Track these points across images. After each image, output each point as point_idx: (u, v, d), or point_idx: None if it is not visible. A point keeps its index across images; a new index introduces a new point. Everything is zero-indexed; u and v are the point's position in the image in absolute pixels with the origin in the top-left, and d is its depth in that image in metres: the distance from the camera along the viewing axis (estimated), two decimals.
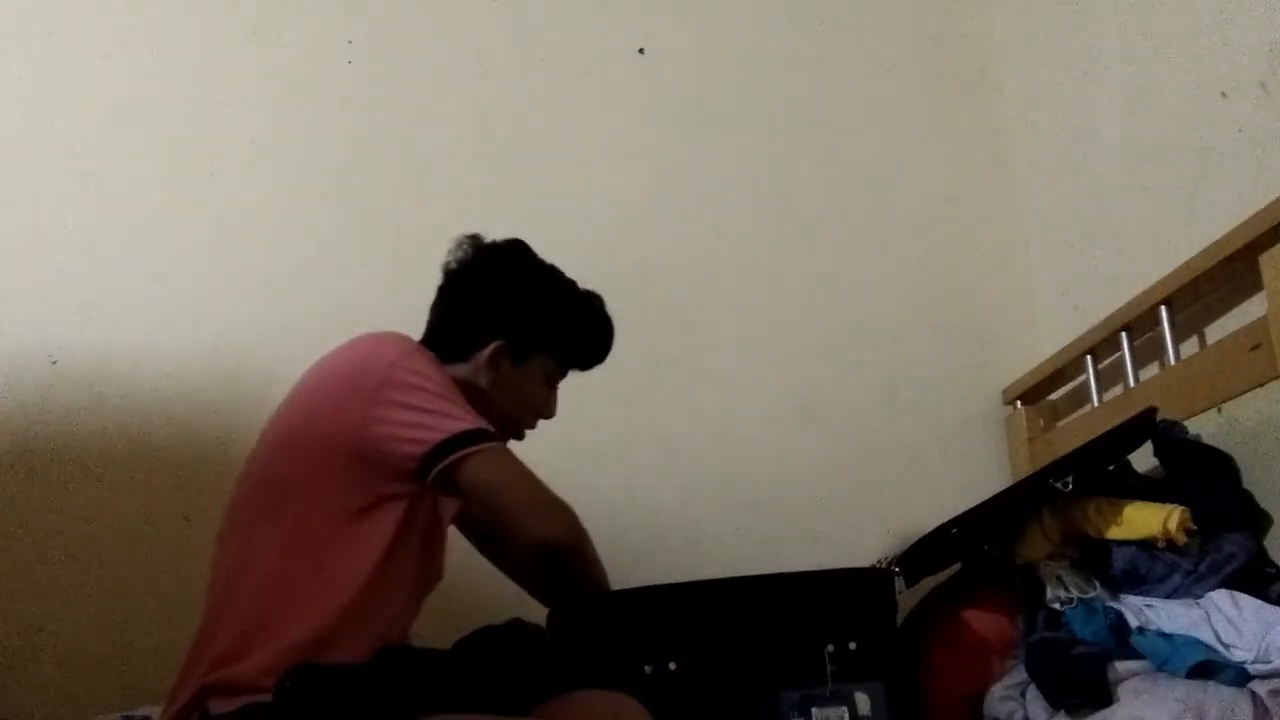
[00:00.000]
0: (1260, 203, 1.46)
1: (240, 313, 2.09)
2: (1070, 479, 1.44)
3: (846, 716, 1.30)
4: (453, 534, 1.47)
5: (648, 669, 1.33)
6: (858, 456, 2.19)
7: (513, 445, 1.46)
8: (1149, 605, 1.38)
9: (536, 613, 1.42)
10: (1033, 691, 1.35)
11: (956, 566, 1.62)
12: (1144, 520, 1.41)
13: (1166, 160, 1.81)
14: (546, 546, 1.30)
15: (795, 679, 1.32)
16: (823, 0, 2.45)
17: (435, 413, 1.27)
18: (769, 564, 1.65)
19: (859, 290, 2.30)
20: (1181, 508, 1.39)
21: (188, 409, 2.02)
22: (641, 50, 2.36)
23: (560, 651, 1.33)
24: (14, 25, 2.16)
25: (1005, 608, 1.49)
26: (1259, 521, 1.44)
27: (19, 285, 2.05)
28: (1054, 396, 2.18)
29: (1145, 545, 1.41)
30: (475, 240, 1.50)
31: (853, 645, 1.33)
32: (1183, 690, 1.22)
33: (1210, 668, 1.24)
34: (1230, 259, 1.53)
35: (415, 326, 1.47)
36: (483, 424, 1.29)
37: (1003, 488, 1.92)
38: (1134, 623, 1.35)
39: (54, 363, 2.01)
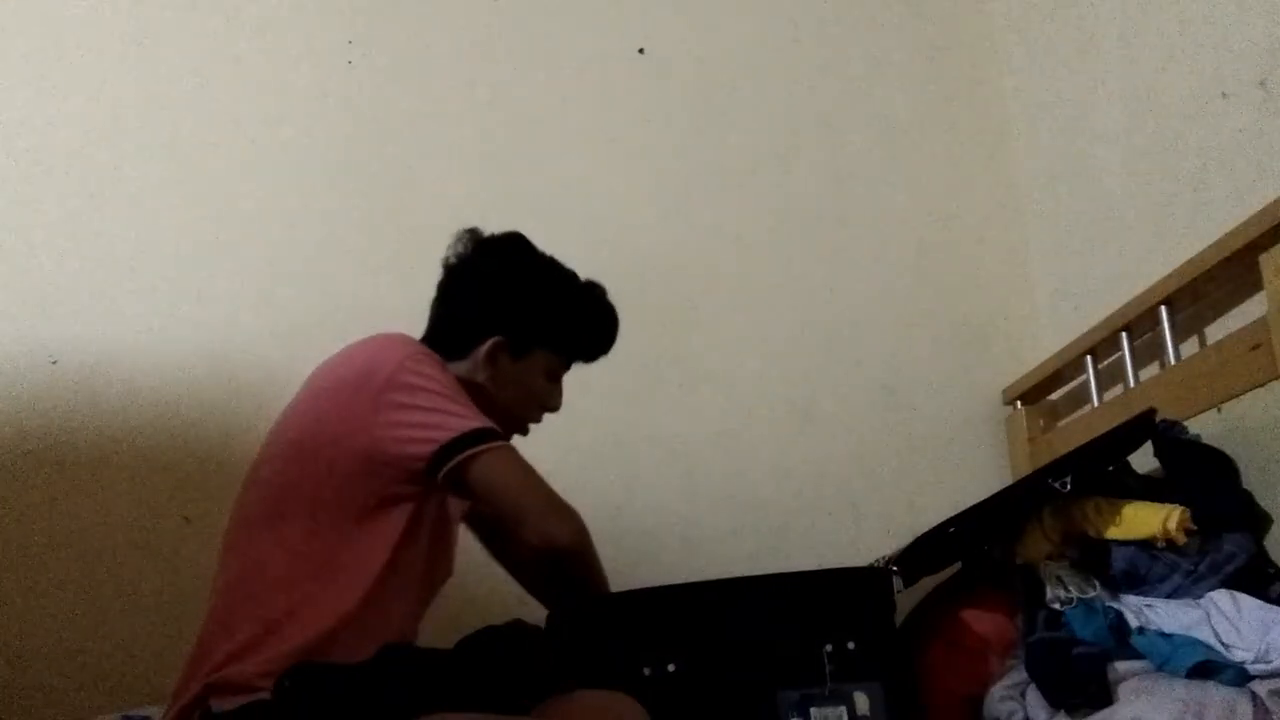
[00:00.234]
0: (1260, 203, 1.46)
1: (240, 313, 2.09)
2: (1069, 479, 1.44)
3: (845, 716, 1.30)
4: (461, 534, 1.47)
5: (647, 671, 1.32)
6: (857, 456, 2.19)
7: (515, 441, 1.47)
8: (1149, 605, 1.38)
9: (536, 613, 1.42)
10: (1033, 691, 1.35)
11: (956, 566, 1.62)
12: (1144, 520, 1.41)
13: (1166, 160, 1.81)
14: (553, 549, 1.31)
15: (794, 679, 1.32)
16: (823, 1, 2.45)
17: (443, 412, 1.27)
18: (768, 564, 1.65)
19: (859, 290, 2.30)
20: (1181, 508, 1.39)
21: (188, 409, 2.03)
22: (641, 50, 2.36)
23: (560, 652, 1.33)
24: (14, 25, 2.16)
25: (1005, 608, 1.49)
26: (1259, 521, 1.43)
27: (19, 285, 2.05)
28: (1054, 396, 2.18)
29: (1145, 545, 1.41)
30: (474, 234, 1.50)
31: (851, 645, 1.33)
32: (1183, 690, 1.22)
33: (1210, 668, 1.24)
34: (1230, 259, 1.53)
35: (416, 326, 1.47)
36: (489, 423, 1.29)
37: (1002, 488, 1.92)
38: (1134, 623, 1.35)
39: (54, 363, 2.01)
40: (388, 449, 1.26)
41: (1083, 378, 2.01)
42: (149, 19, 2.21)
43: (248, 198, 2.16)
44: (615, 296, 1.54)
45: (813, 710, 1.30)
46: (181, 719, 1.20)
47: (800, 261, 2.30)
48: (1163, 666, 1.28)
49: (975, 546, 1.59)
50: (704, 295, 2.26)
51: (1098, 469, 1.51)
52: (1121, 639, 1.33)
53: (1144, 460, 1.56)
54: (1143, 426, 1.53)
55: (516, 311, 1.45)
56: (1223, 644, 1.27)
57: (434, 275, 1.50)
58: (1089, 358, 1.96)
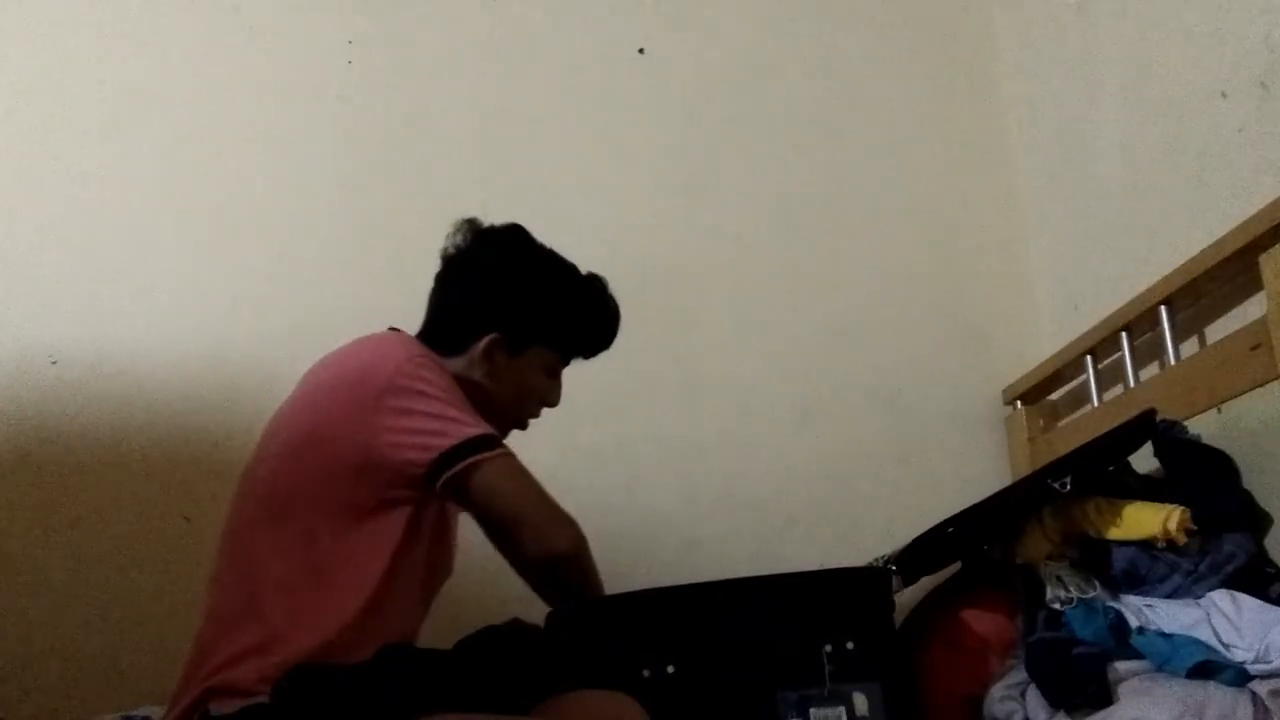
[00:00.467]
0: (1260, 203, 1.46)
1: (240, 312, 2.09)
2: (1069, 479, 1.44)
3: (844, 717, 1.30)
4: (461, 533, 1.47)
5: (646, 672, 1.32)
6: (857, 456, 2.19)
7: (515, 437, 1.47)
8: (1149, 605, 1.38)
9: (536, 613, 1.41)
10: (1033, 691, 1.35)
11: (956, 566, 1.62)
12: (1144, 520, 1.41)
13: (1166, 160, 1.81)
14: (551, 559, 1.30)
15: (793, 679, 1.31)
16: (823, 1, 2.45)
17: (441, 419, 1.26)
18: (768, 564, 1.65)
19: (859, 290, 2.30)
20: (1181, 508, 1.39)
21: (188, 409, 2.03)
22: (641, 50, 2.36)
23: (560, 652, 1.33)
24: (14, 26, 2.16)
25: (1005, 608, 1.49)
26: (1259, 521, 1.43)
27: (19, 285, 2.05)
28: (1054, 396, 2.18)
29: (1145, 545, 1.41)
30: (473, 224, 1.48)
31: (850, 645, 1.32)
32: (1183, 690, 1.22)
33: (1210, 668, 1.24)
34: (1230, 259, 1.52)
35: (415, 326, 1.47)
36: (488, 430, 1.28)
37: (1002, 488, 1.92)
38: (1134, 623, 1.35)
39: (54, 363, 2.01)
40: (386, 454, 1.25)
41: (1083, 378, 2.01)
42: (149, 19, 2.21)
43: (247, 198, 2.16)
44: (615, 297, 1.53)
45: (812, 711, 1.30)
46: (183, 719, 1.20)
47: (800, 261, 2.30)
48: (1163, 666, 1.28)
49: (975, 546, 1.60)
50: (704, 295, 2.26)
51: (1098, 469, 1.51)
52: (1121, 639, 1.33)
53: (1144, 460, 1.56)
54: (1143, 426, 1.53)
55: (515, 305, 1.43)
56: (1223, 644, 1.27)
57: (432, 275, 1.49)
58: (1089, 358, 1.96)
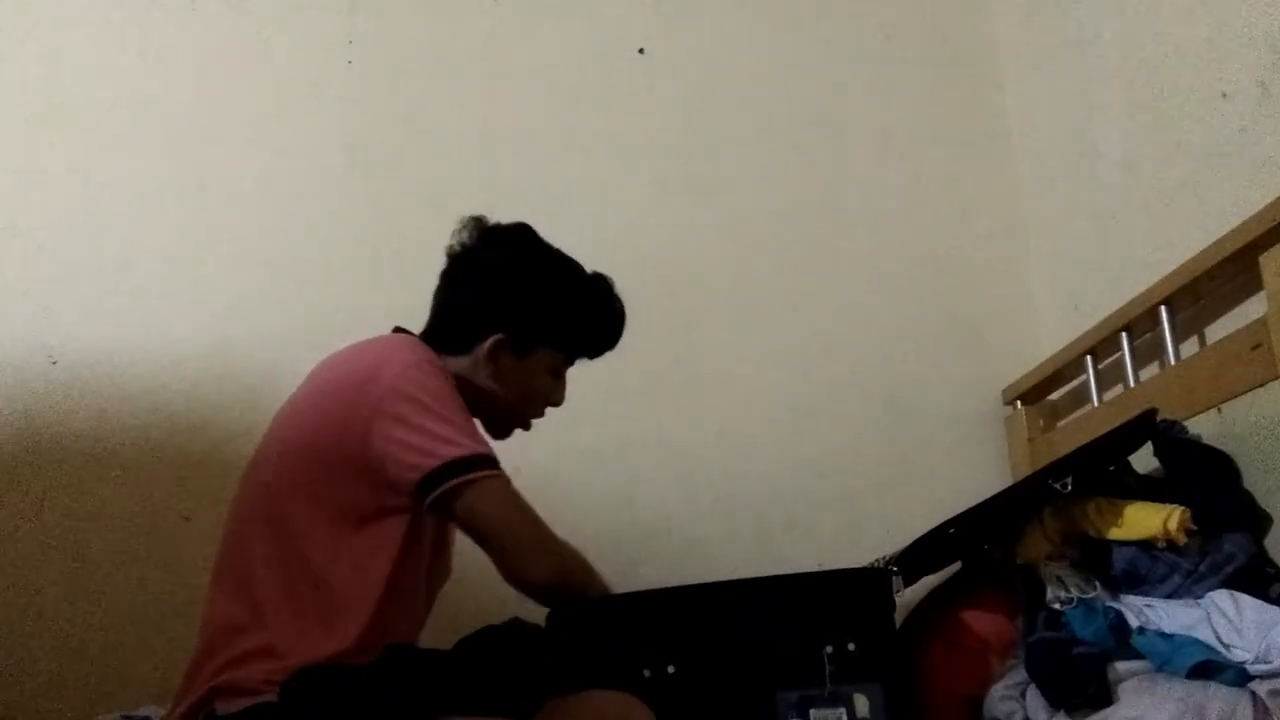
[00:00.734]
0: (1260, 203, 1.46)
1: (240, 312, 2.09)
2: (1069, 480, 1.44)
3: (845, 718, 1.29)
4: (461, 535, 1.46)
5: (646, 672, 1.32)
6: (857, 456, 2.19)
7: (516, 438, 1.47)
8: (1149, 605, 1.38)
9: (536, 613, 1.41)
10: (1033, 691, 1.35)
11: (956, 566, 1.62)
12: (1144, 520, 1.41)
13: (1166, 160, 1.81)
14: (531, 587, 1.28)
15: (793, 680, 1.31)
16: (823, 1, 2.45)
17: (435, 435, 1.24)
18: (768, 564, 1.65)
19: (859, 290, 2.30)
20: (1181, 508, 1.39)
21: (188, 409, 2.02)
22: (641, 50, 2.36)
23: (560, 652, 1.33)
24: (14, 26, 2.16)
25: (1005, 608, 1.49)
26: (1259, 521, 1.43)
27: (19, 285, 2.05)
28: (1054, 396, 2.18)
29: (1145, 545, 1.41)
30: (479, 222, 1.47)
31: (851, 646, 1.32)
32: (1183, 690, 1.22)
33: (1210, 668, 1.24)
34: (1230, 259, 1.53)
35: (415, 325, 1.47)
36: (481, 449, 1.27)
37: (1003, 488, 1.92)
38: (1134, 623, 1.35)
39: (54, 363, 2.01)
40: (383, 463, 1.24)
41: (1083, 378, 2.01)
42: (149, 19, 2.21)
43: (247, 198, 2.16)
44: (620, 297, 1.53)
45: (812, 711, 1.30)
46: (187, 719, 1.20)
47: (800, 262, 2.30)
48: (1163, 666, 1.28)
49: (975, 547, 1.59)
50: (704, 295, 2.26)
51: (1098, 469, 1.51)
52: (1121, 639, 1.33)
53: (1144, 460, 1.56)
54: (1143, 426, 1.53)
55: (520, 306, 1.42)
56: (1223, 644, 1.27)
57: (433, 275, 1.49)
58: (1089, 358, 1.96)
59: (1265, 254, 1.43)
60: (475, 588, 1.60)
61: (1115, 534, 1.44)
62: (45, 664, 1.87)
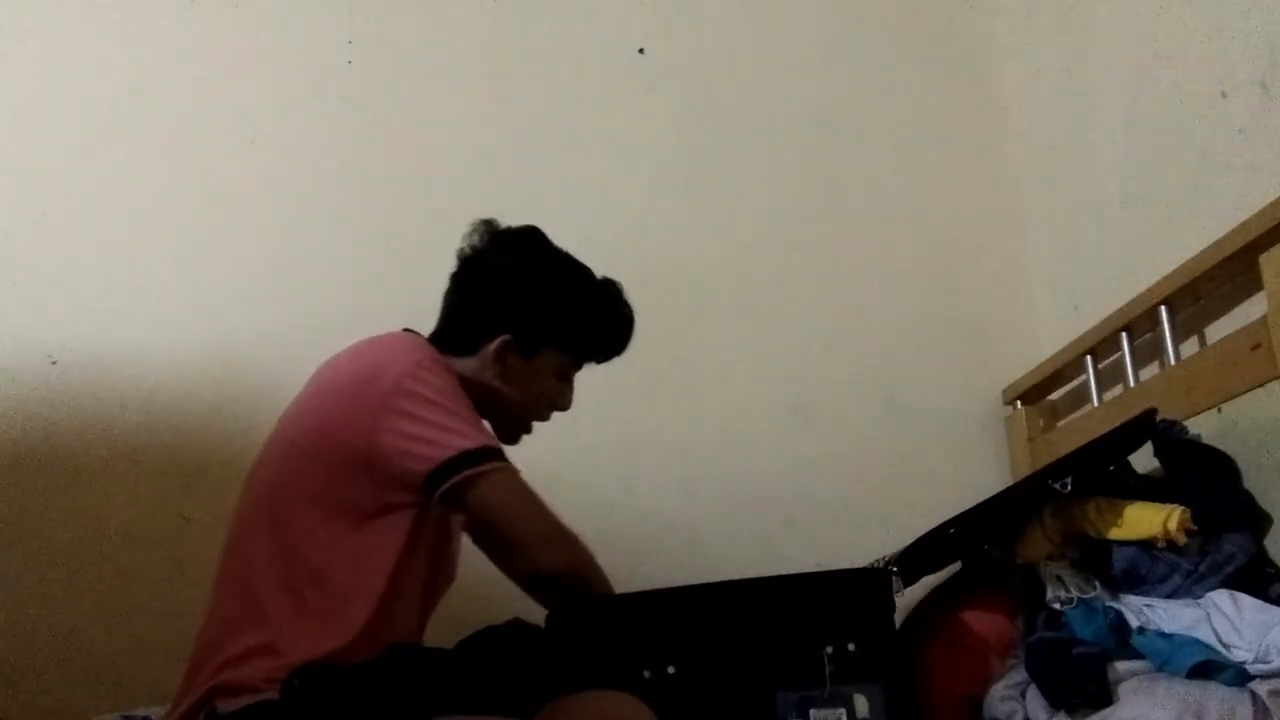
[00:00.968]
0: (1260, 203, 1.46)
1: (240, 313, 2.09)
2: (1069, 480, 1.44)
3: (845, 718, 1.30)
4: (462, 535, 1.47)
5: (646, 673, 1.32)
6: (857, 456, 2.19)
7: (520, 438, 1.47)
8: (1149, 605, 1.38)
9: (536, 613, 1.41)
10: (1033, 691, 1.35)
11: (956, 566, 1.62)
12: (1144, 520, 1.41)
13: (1166, 160, 1.81)
14: (545, 578, 1.29)
15: (793, 680, 1.31)
16: (823, 1, 2.45)
17: (444, 428, 1.25)
18: (768, 564, 1.65)
19: (859, 290, 2.30)
20: (1181, 508, 1.39)
21: (188, 409, 2.02)
22: (641, 50, 2.36)
23: (560, 652, 1.33)
24: (14, 26, 2.16)
25: (1005, 608, 1.49)
26: (1259, 521, 1.43)
27: (19, 285, 2.05)
28: (1054, 396, 2.18)
29: (1145, 545, 1.41)
30: (490, 225, 1.47)
31: (851, 646, 1.32)
32: (1183, 690, 1.22)
33: (1210, 668, 1.24)
34: (1230, 259, 1.53)
35: (415, 326, 1.47)
36: (490, 441, 1.28)
37: (1003, 488, 1.92)
38: (1134, 623, 1.35)
39: (54, 363, 2.01)
40: (388, 458, 1.25)
41: (1083, 378, 2.01)
42: (148, 18, 2.21)
43: (247, 198, 2.16)
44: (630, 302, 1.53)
45: (812, 712, 1.30)
46: (187, 718, 1.20)
47: (800, 262, 2.30)
48: (1163, 666, 1.28)
49: (975, 547, 1.59)
50: (704, 295, 2.26)
51: (1098, 469, 1.51)
52: (1121, 639, 1.33)
53: (1144, 460, 1.56)
54: (1143, 426, 1.53)
55: (529, 308, 1.42)
56: (1223, 644, 1.27)
57: (433, 275, 1.49)
58: (1089, 358, 1.96)
59: (1265, 254, 1.43)
60: (476, 588, 1.60)
61: (1115, 534, 1.44)
62: (45, 664, 1.87)
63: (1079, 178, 2.12)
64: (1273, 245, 1.42)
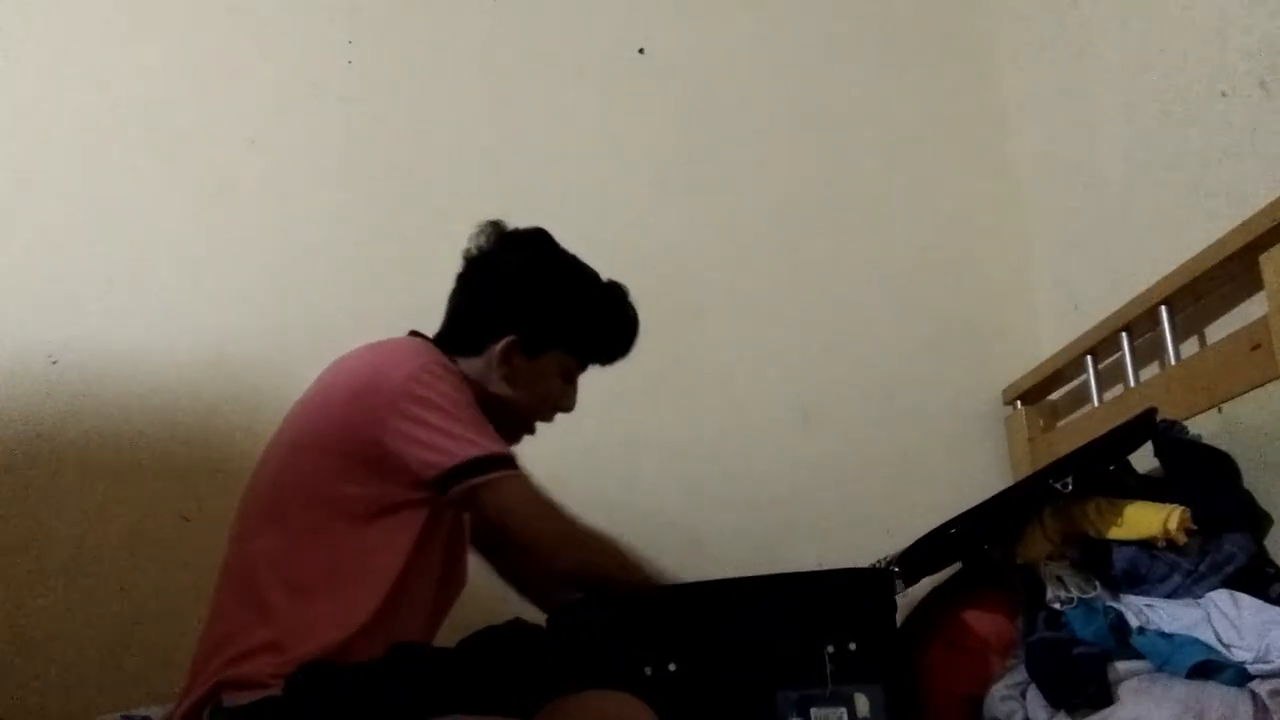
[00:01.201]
0: (1260, 203, 1.46)
1: (241, 313, 2.09)
2: (1070, 479, 1.44)
3: (845, 718, 1.30)
4: None
5: (648, 671, 1.32)
6: (858, 456, 2.19)
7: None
8: (1149, 605, 1.38)
9: (537, 613, 1.42)
10: (1033, 691, 1.35)
11: (956, 566, 1.62)
12: (1144, 520, 1.41)
13: (1166, 160, 1.81)
14: (563, 580, 1.32)
15: (794, 680, 1.32)
16: (823, 1, 2.45)
17: (450, 434, 1.25)
18: (769, 564, 1.65)
19: (859, 290, 2.30)
20: (1181, 508, 1.39)
21: (188, 409, 2.02)
22: (641, 50, 2.36)
23: (560, 652, 1.33)
24: (15, 25, 2.16)
25: (1005, 608, 1.49)
26: (1259, 521, 1.43)
27: (19, 285, 2.05)
28: (1054, 396, 2.18)
29: (1145, 545, 1.41)
30: (497, 226, 1.48)
31: (852, 646, 1.33)
32: (1183, 690, 1.22)
33: (1210, 668, 1.24)
34: (1230, 259, 1.53)
35: (415, 326, 1.47)
36: (497, 447, 1.28)
37: (1003, 488, 1.92)
38: (1134, 623, 1.35)
39: (54, 363, 2.01)
40: (397, 458, 1.25)
41: (1083, 378, 2.01)
42: (148, 18, 2.21)
43: (248, 198, 2.16)
44: (634, 305, 1.53)
45: (813, 711, 1.30)
46: (193, 713, 1.20)
47: (800, 262, 2.30)
48: (1163, 666, 1.28)
49: (976, 547, 1.59)
50: (704, 296, 2.26)
51: (1098, 469, 1.51)
52: (1122, 639, 1.33)
53: (1144, 460, 1.56)
54: (1143, 426, 1.53)
55: (534, 310, 1.43)
56: (1223, 644, 1.27)
57: (434, 275, 1.49)
58: (1089, 358, 1.96)
59: (1265, 254, 1.43)
60: (476, 588, 1.60)
61: (1115, 534, 1.44)
62: (45, 664, 1.87)
63: (1079, 178, 2.12)
64: (1273, 245, 1.42)
